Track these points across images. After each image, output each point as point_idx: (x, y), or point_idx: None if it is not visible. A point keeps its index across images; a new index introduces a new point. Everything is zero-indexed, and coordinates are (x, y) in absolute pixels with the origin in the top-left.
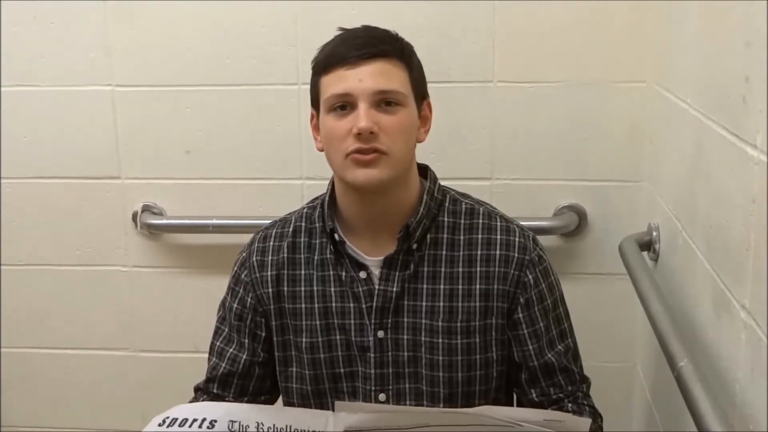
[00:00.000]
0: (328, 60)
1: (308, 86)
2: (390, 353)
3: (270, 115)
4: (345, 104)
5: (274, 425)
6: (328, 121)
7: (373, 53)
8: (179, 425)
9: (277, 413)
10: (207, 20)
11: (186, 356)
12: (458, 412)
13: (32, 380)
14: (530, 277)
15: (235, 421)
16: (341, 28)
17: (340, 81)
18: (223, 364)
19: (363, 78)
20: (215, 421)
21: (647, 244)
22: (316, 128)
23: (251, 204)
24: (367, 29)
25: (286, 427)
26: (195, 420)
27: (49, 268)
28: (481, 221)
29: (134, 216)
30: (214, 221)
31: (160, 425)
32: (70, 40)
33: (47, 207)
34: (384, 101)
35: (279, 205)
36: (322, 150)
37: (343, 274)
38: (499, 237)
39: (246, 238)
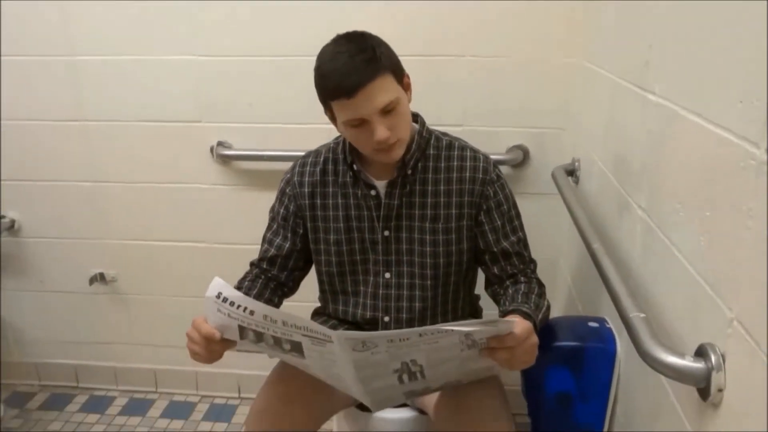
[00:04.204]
0: (333, 93)
1: None
2: (393, 246)
3: (303, 79)
4: (359, 122)
5: (294, 324)
6: (349, 132)
7: (366, 80)
8: (229, 304)
9: (295, 318)
10: (264, 8)
11: (246, 247)
12: (427, 329)
13: (141, 262)
14: (490, 190)
15: (267, 315)
16: (326, 51)
17: (349, 109)
18: (272, 249)
19: (367, 105)
20: (253, 312)
21: (571, 172)
22: (332, 120)
23: (292, 140)
24: (348, 55)
25: (303, 327)
26: (239, 306)
27: (151, 185)
28: (456, 152)
29: (211, 149)
30: (267, 153)
31: (217, 297)
32: (166, 21)
33: (152, 141)
34: (387, 109)
35: (311, 142)
36: (342, 134)
37: (359, 192)
38: (468, 163)
39: (287, 165)
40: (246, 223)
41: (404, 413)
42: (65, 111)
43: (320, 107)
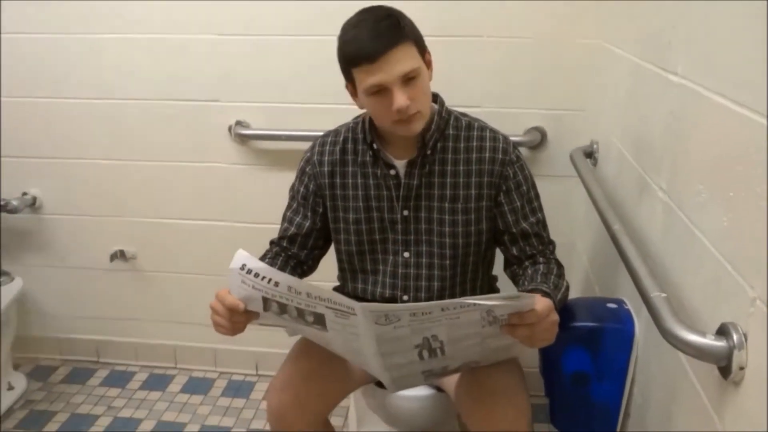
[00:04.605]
0: (356, 60)
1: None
2: (412, 225)
3: (322, 58)
4: (380, 89)
5: (318, 296)
6: (369, 101)
7: (388, 46)
8: (254, 275)
9: (319, 290)
10: None
11: (264, 225)
12: (449, 302)
13: (160, 239)
14: (510, 171)
15: (291, 287)
16: (350, 21)
17: (371, 75)
18: (292, 228)
19: (388, 70)
20: (278, 283)
21: (589, 154)
22: (353, 94)
23: (310, 120)
24: (373, 22)
25: (327, 299)
26: (264, 277)
27: (171, 164)
28: (476, 133)
29: (230, 128)
30: (284, 132)
31: (241, 269)
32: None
33: (172, 120)
34: (408, 78)
35: (330, 122)
36: (362, 108)
37: (379, 171)
38: (488, 143)
39: (305, 145)
40: (264, 201)
41: (422, 390)
42: (87, 89)
43: (339, 87)
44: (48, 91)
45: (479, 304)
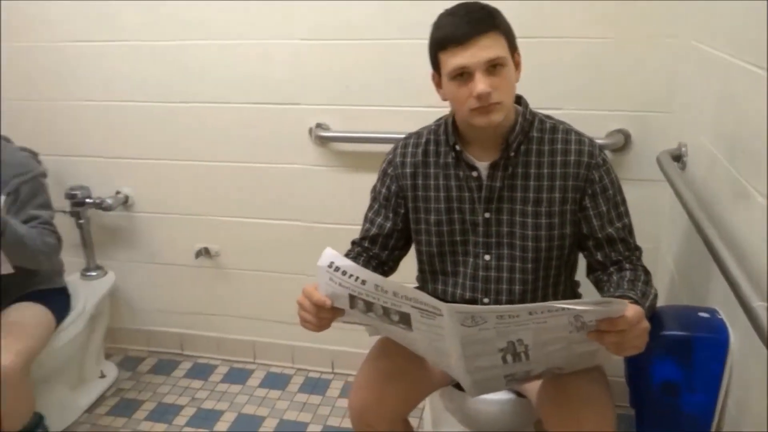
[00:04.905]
0: (444, 42)
1: (422, 41)
2: (493, 228)
3: (402, 62)
4: (463, 73)
5: (404, 295)
6: (451, 87)
7: (478, 32)
8: (341, 273)
9: (406, 289)
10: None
11: (341, 226)
12: (537, 306)
13: (242, 238)
14: (596, 174)
15: (379, 285)
16: (446, 10)
17: (457, 58)
18: (373, 228)
19: (474, 53)
20: (365, 281)
21: (677, 157)
22: (438, 84)
23: (388, 123)
24: (467, 10)
25: (414, 299)
26: (352, 275)
27: (252, 165)
28: (560, 135)
29: (310, 130)
30: (363, 134)
31: (329, 267)
32: (269, 6)
33: (254, 123)
34: (492, 66)
35: (408, 125)
36: (445, 100)
37: (461, 173)
38: (573, 146)
39: (383, 147)
40: (342, 203)
41: (503, 394)
42: (176, 94)
43: (418, 90)
44: (142, 96)
45: (569, 309)
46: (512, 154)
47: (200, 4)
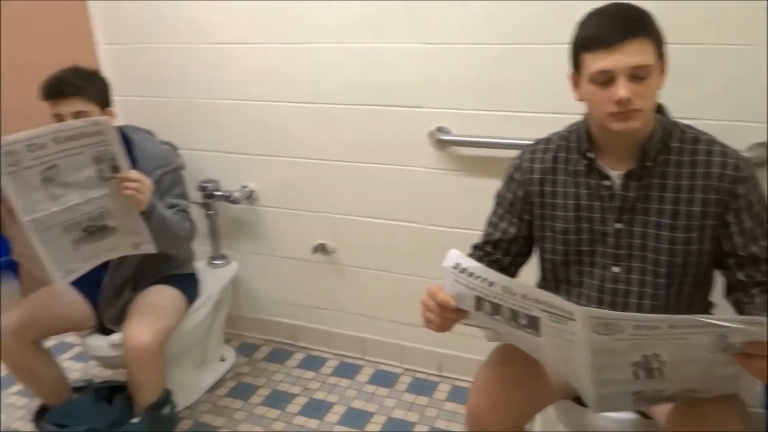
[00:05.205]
0: (590, 42)
1: (550, 46)
2: (624, 239)
3: (527, 68)
4: (606, 77)
5: (535, 298)
6: (591, 88)
7: (626, 36)
8: (468, 274)
9: (536, 292)
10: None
11: (457, 230)
12: (680, 319)
13: (358, 236)
14: (741, 189)
15: (507, 287)
16: (594, 9)
17: (601, 61)
18: (496, 233)
19: (620, 58)
20: (493, 282)
21: None
22: (576, 84)
23: (510, 128)
24: (617, 11)
25: (544, 302)
26: (479, 276)
27: (371, 165)
28: (702, 147)
29: (430, 134)
30: (484, 139)
31: (454, 267)
32: (395, 10)
33: (375, 125)
34: (636, 73)
35: (532, 131)
36: (581, 100)
37: (592, 181)
38: (716, 159)
39: (503, 152)
40: (460, 207)
41: (627, 414)
42: (301, 94)
43: (542, 96)
44: (271, 96)
45: (716, 325)
46: (649, 163)
47: (331, 8)
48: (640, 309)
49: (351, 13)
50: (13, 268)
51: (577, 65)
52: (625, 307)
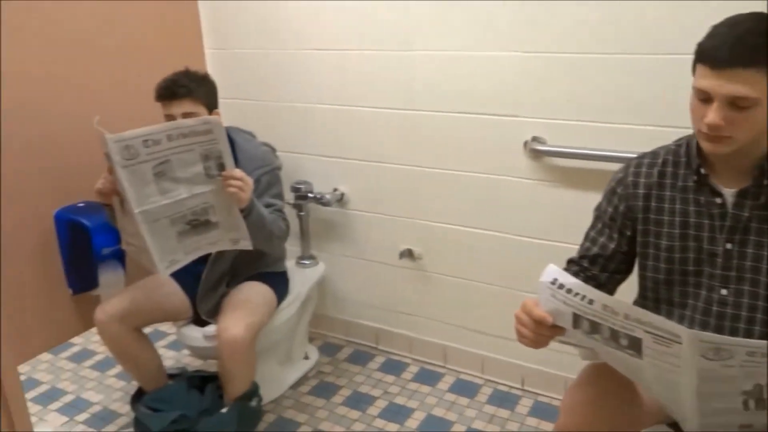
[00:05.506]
0: (703, 56)
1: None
2: (735, 261)
3: (626, 79)
4: (705, 96)
5: (638, 318)
6: (694, 99)
7: (737, 63)
8: (566, 291)
9: (639, 312)
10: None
11: (547, 242)
12: None
13: (445, 243)
14: None
15: (608, 306)
16: (734, 17)
17: (704, 79)
18: (595, 248)
19: (722, 84)
20: (593, 300)
21: None
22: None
23: (605, 140)
24: (744, 31)
25: (648, 323)
26: (578, 293)
27: (462, 173)
28: None
29: (525, 143)
30: (581, 151)
31: (551, 283)
32: (495, 17)
33: (469, 133)
34: (736, 102)
35: (632, 144)
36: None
37: (702, 198)
38: None
39: (600, 165)
40: (552, 219)
41: None
42: (394, 101)
43: (642, 109)
44: (364, 102)
45: None
46: (766, 182)
47: (430, 17)
48: (749, 334)
49: (452, 22)
50: (119, 257)
51: (694, 68)
52: (733, 332)
